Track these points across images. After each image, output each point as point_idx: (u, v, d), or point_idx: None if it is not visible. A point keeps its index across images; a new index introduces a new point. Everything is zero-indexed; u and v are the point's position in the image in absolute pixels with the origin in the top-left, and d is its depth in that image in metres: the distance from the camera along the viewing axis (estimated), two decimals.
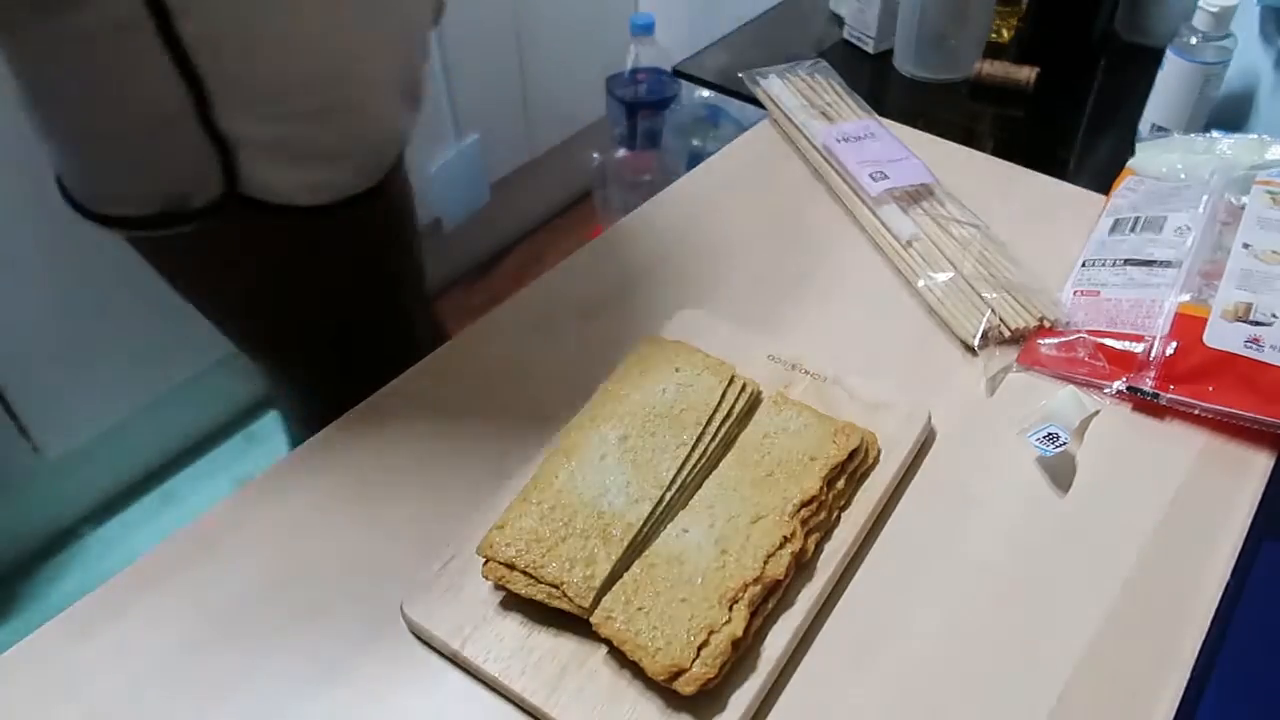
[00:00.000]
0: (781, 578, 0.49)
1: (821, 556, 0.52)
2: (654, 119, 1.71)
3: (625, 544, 0.50)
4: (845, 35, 1.15)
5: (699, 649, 0.46)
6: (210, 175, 0.63)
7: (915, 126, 0.88)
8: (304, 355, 0.87)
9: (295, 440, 1.01)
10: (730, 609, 0.47)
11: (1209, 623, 0.51)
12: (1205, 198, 0.69)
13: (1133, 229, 0.70)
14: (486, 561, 0.50)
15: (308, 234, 0.71)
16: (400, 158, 0.78)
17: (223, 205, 0.65)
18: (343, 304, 0.80)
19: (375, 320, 0.84)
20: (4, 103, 0.68)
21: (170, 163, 0.63)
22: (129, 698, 0.49)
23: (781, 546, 0.50)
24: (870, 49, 1.11)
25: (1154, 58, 0.88)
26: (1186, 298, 0.63)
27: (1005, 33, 1.11)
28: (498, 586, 0.50)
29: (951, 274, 0.70)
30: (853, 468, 0.55)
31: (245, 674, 0.50)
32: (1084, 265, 0.70)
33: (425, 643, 0.50)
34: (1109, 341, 0.63)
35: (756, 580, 0.48)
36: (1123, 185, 0.75)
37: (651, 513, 0.51)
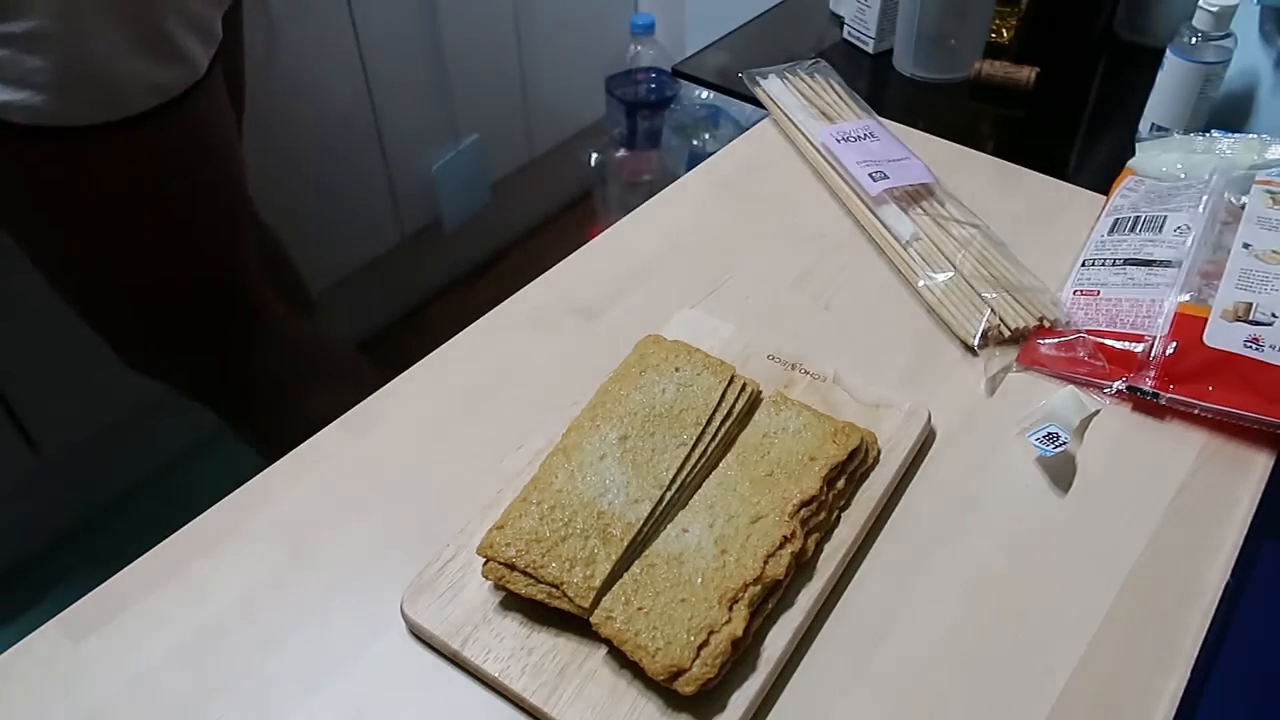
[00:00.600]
0: (781, 578, 0.49)
1: (821, 556, 0.52)
2: (654, 119, 1.71)
3: (625, 544, 0.50)
4: (845, 35, 1.15)
5: (699, 649, 0.46)
6: None
7: (915, 126, 0.88)
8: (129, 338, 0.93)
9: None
10: (730, 609, 0.47)
11: (1209, 623, 0.51)
12: (1205, 198, 0.69)
13: (1133, 229, 0.70)
14: (486, 561, 0.50)
15: (22, 156, 0.75)
16: (171, 112, 0.81)
17: None
18: (126, 258, 0.85)
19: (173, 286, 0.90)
20: None
21: None
22: (129, 698, 0.49)
23: (781, 546, 0.50)
24: (870, 49, 1.11)
25: (1154, 58, 0.88)
26: (1186, 297, 0.63)
27: (1005, 33, 1.11)
28: (498, 586, 0.50)
29: (951, 274, 0.70)
30: (853, 468, 0.55)
31: (245, 674, 0.50)
32: (1084, 265, 0.70)
33: (425, 643, 0.50)
34: (1109, 341, 0.63)
35: (756, 580, 0.48)
36: (1123, 185, 0.75)
37: (651, 513, 0.51)
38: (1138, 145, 0.79)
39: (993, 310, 0.66)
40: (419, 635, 0.50)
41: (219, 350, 1.00)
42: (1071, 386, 0.61)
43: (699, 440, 0.55)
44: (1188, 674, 0.49)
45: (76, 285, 0.91)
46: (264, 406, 1.05)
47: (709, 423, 0.56)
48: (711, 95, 1.62)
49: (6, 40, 0.69)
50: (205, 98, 0.84)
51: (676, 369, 0.59)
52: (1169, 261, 0.66)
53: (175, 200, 0.86)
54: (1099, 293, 0.67)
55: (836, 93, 0.89)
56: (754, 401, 0.59)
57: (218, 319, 0.97)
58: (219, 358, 1.00)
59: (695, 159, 1.42)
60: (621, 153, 1.77)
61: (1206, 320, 0.61)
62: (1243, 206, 0.68)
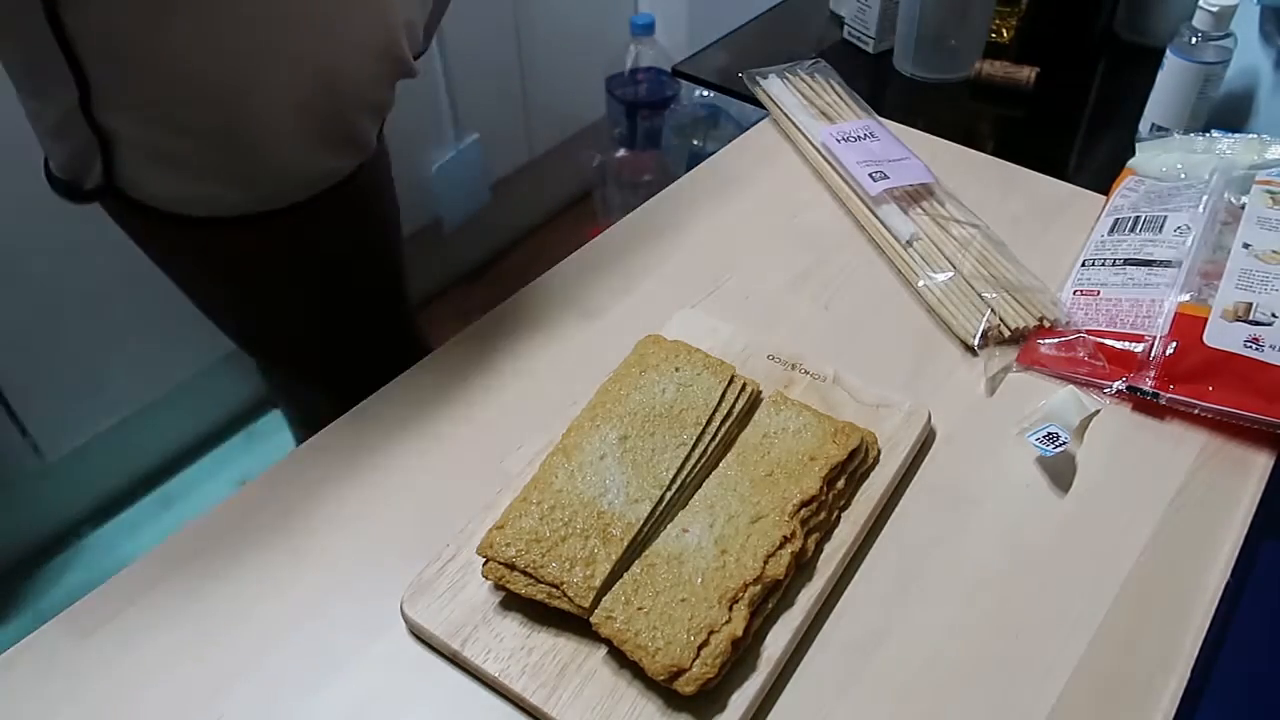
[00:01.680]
0: (781, 578, 0.49)
1: (821, 556, 0.52)
2: (654, 119, 1.71)
3: (625, 544, 0.50)
4: (845, 35, 1.15)
5: (699, 649, 0.46)
6: (91, 163, 0.66)
7: (915, 126, 0.88)
8: (283, 361, 0.90)
9: (299, 440, 1.02)
10: (730, 609, 0.47)
11: (1209, 623, 0.51)
12: (1205, 198, 0.69)
13: (1133, 229, 0.70)
14: (486, 561, 0.50)
15: (194, 241, 0.73)
16: (351, 184, 0.78)
17: (105, 195, 0.68)
18: (295, 315, 0.83)
19: (341, 333, 0.86)
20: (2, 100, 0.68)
21: (70, 142, 0.65)
22: (129, 698, 0.49)
23: (781, 546, 0.50)
24: (870, 49, 1.11)
25: (1154, 58, 0.88)
26: (1186, 297, 0.63)
27: (1005, 33, 1.11)
28: (498, 586, 0.50)
29: (951, 274, 0.70)
30: (853, 468, 0.55)
31: (245, 674, 0.50)
32: (1084, 265, 0.70)
33: (425, 643, 0.50)
34: (1109, 341, 0.63)
35: (756, 580, 0.48)
36: (1123, 185, 0.75)
37: (651, 513, 0.51)
38: (1138, 145, 0.79)
39: (993, 310, 0.66)
40: (419, 635, 0.50)
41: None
42: (1071, 386, 0.61)
43: (699, 440, 0.55)
44: (1188, 674, 0.49)
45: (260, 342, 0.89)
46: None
47: (709, 423, 0.56)
48: (711, 95, 1.62)
49: (195, 132, 0.66)
50: (369, 171, 0.81)
51: (676, 369, 0.59)
52: (1169, 261, 0.66)
53: (337, 265, 0.84)
54: (1099, 293, 0.66)
55: (836, 93, 0.89)
56: (754, 401, 0.59)
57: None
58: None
59: (695, 159, 1.42)
60: (621, 153, 1.77)
61: (1206, 320, 0.61)
62: (1243, 206, 0.68)
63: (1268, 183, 0.70)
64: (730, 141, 0.88)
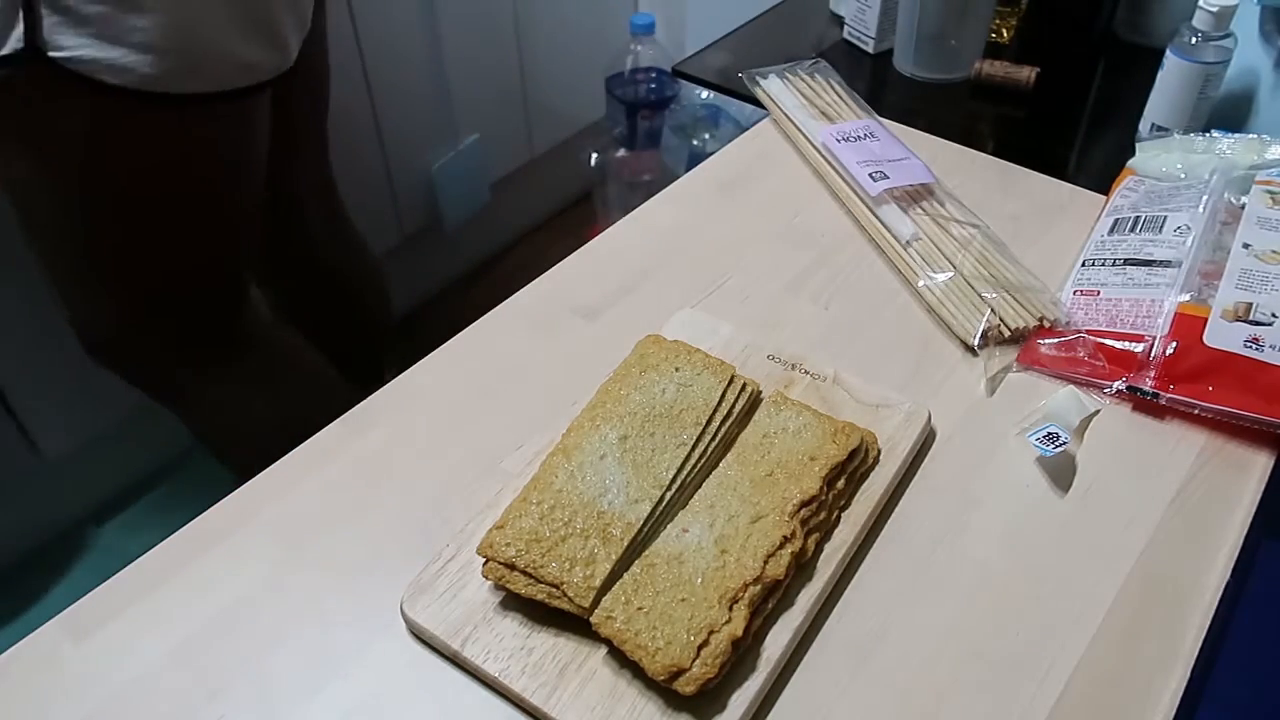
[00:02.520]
0: (781, 578, 0.49)
1: (821, 556, 0.52)
2: (654, 119, 1.71)
3: (625, 544, 0.50)
4: (845, 35, 1.15)
5: (699, 649, 0.46)
6: (12, 22, 0.68)
7: (915, 126, 0.88)
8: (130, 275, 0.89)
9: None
10: (730, 609, 0.47)
11: (1209, 623, 0.51)
12: (1205, 198, 0.69)
13: (1133, 229, 0.70)
14: (486, 561, 0.50)
15: (102, 115, 0.75)
16: (253, 95, 0.80)
17: (23, 62, 0.70)
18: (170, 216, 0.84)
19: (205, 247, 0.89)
20: None
21: None
22: (129, 698, 0.49)
23: (781, 546, 0.50)
24: (870, 49, 1.11)
25: (1154, 58, 0.88)
26: (1186, 297, 0.63)
27: (1005, 33, 1.11)
28: (498, 586, 0.50)
29: (951, 274, 0.70)
30: (853, 468, 0.55)
31: (245, 674, 0.50)
32: (1084, 265, 0.70)
33: (425, 643, 0.50)
34: (1109, 341, 0.63)
35: (756, 580, 0.48)
36: (1123, 185, 0.75)
37: (651, 513, 0.51)
38: (1138, 145, 0.79)
39: (993, 310, 0.66)
40: (419, 635, 0.50)
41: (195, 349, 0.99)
42: (1071, 386, 0.61)
43: (699, 440, 0.55)
44: (1188, 674, 0.49)
45: (73, 251, 0.89)
46: (215, 407, 1.04)
47: (709, 423, 0.56)
48: (711, 95, 1.62)
49: None
50: (287, 89, 0.83)
51: (676, 369, 0.59)
52: (1169, 261, 0.66)
53: (222, 184, 0.86)
54: (1099, 293, 0.66)
55: (836, 93, 0.89)
56: (754, 401, 0.59)
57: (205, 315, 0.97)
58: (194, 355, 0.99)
59: (695, 159, 1.42)
60: (621, 153, 1.77)
61: (1206, 320, 0.61)
62: (1243, 206, 0.68)
63: (1268, 183, 0.70)
64: (730, 141, 0.88)
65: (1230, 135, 0.75)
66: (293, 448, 0.59)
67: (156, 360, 0.98)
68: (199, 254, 0.90)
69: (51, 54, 0.70)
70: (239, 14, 0.74)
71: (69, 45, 0.70)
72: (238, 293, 0.99)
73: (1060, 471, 0.58)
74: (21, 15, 0.68)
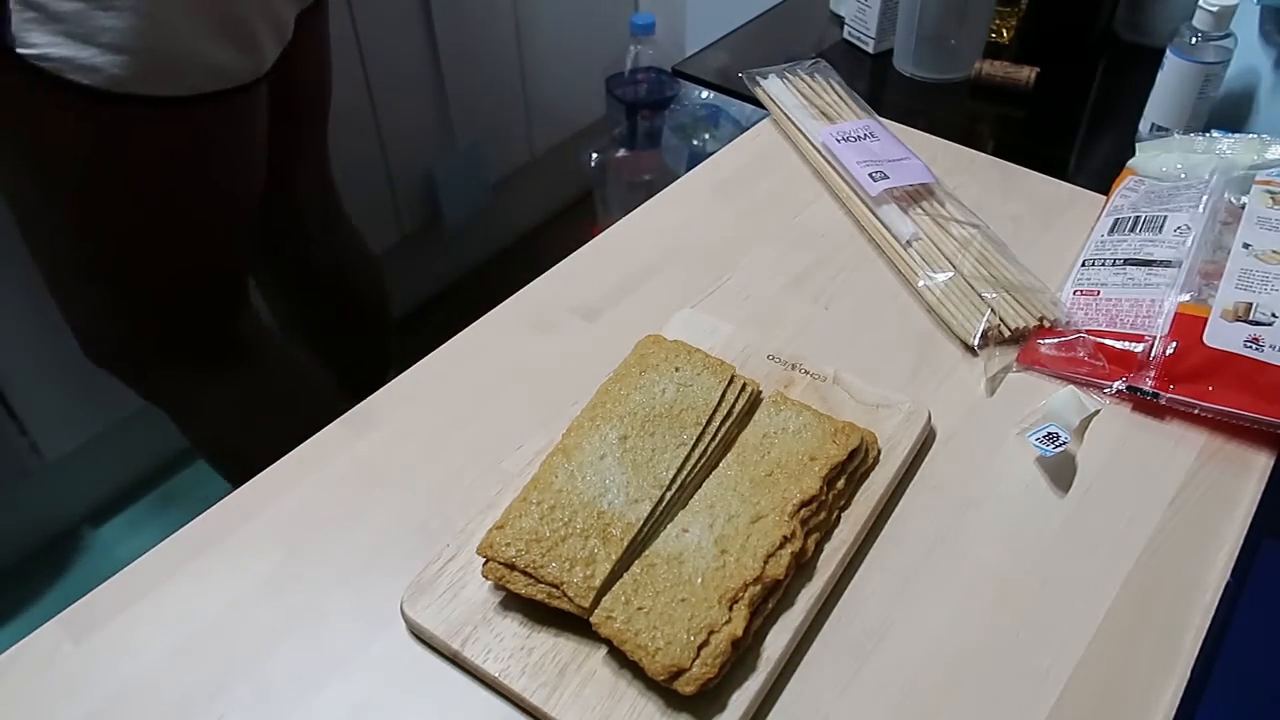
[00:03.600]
0: (781, 578, 0.49)
1: (821, 556, 0.52)
2: (654, 119, 1.71)
3: (625, 544, 0.50)
4: (845, 35, 1.15)
5: (699, 649, 0.46)
6: None
7: (915, 126, 0.88)
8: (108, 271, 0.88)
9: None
10: (730, 609, 0.47)
11: (1209, 623, 0.51)
12: (1205, 198, 0.69)
13: (1133, 229, 0.70)
14: (486, 561, 0.50)
15: (74, 116, 0.74)
16: (232, 99, 0.80)
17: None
18: (145, 214, 0.84)
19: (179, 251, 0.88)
20: None
21: None
22: (129, 698, 0.49)
23: (781, 546, 0.50)
24: (870, 49, 1.11)
25: (1154, 58, 0.88)
26: (1186, 297, 0.63)
27: (1005, 33, 1.11)
28: (498, 586, 0.50)
29: (951, 274, 0.70)
30: (853, 468, 0.55)
31: (245, 674, 0.50)
32: (1084, 265, 0.70)
33: (425, 643, 0.50)
34: (1109, 341, 0.63)
35: (756, 580, 0.48)
36: (1123, 185, 0.75)
37: (651, 513, 0.51)
38: (1138, 145, 0.79)
39: (993, 310, 0.66)
40: (419, 635, 0.50)
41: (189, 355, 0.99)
42: (1071, 386, 0.61)
43: (699, 440, 0.55)
44: (1188, 674, 0.49)
45: (65, 252, 0.89)
46: (210, 420, 1.04)
47: (709, 423, 0.56)
48: (711, 95, 1.62)
49: None
50: (256, 98, 0.82)
51: (676, 369, 0.59)
52: (1169, 261, 0.66)
53: (201, 188, 0.85)
54: (1099, 293, 0.66)
55: (836, 93, 0.89)
56: (754, 401, 0.59)
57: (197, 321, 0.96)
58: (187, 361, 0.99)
59: (695, 159, 1.42)
60: (621, 153, 1.77)
61: (1206, 320, 0.61)
62: (1243, 206, 0.68)
63: (1268, 183, 0.70)
64: (730, 141, 0.88)
65: (1230, 135, 0.75)
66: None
67: (152, 363, 0.98)
68: (187, 258, 0.90)
69: (20, 51, 0.69)
70: (212, 18, 0.74)
71: (39, 43, 0.69)
72: (234, 297, 0.98)
73: (1060, 471, 0.58)
74: None
